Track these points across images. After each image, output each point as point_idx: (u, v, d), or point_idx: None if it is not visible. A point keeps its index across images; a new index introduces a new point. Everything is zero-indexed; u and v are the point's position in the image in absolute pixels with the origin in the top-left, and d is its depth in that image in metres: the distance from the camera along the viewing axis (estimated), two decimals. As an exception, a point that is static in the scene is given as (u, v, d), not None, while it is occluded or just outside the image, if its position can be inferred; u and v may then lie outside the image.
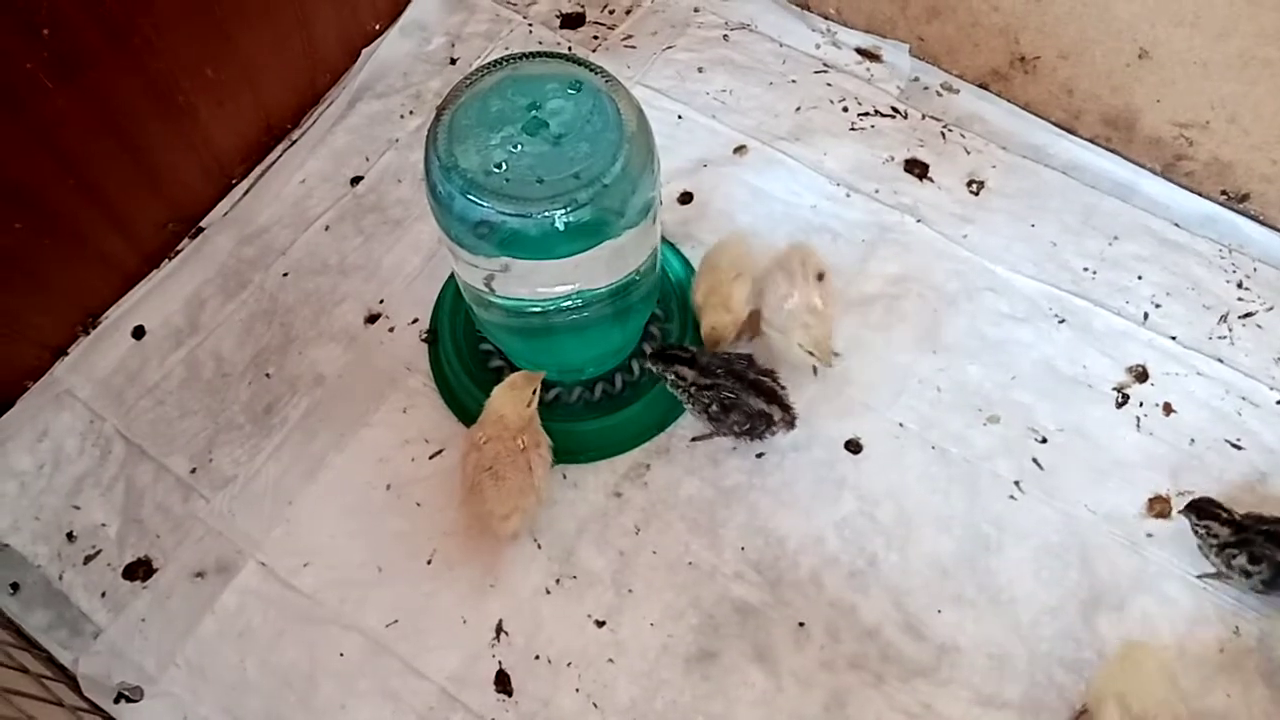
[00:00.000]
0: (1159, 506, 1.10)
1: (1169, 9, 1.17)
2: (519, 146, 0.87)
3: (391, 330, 1.23)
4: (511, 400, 1.00)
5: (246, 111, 1.32)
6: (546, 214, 0.84)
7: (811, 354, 1.10)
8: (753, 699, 1.00)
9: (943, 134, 1.37)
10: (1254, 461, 1.12)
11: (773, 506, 1.10)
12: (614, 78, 0.93)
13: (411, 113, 1.41)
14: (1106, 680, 0.96)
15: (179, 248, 1.30)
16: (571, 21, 1.51)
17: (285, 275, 1.27)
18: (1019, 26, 1.31)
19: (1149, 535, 1.09)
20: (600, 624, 1.04)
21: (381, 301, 1.25)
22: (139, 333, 1.24)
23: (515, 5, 1.51)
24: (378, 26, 1.46)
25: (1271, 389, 1.17)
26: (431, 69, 1.45)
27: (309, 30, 1.35)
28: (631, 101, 0.92)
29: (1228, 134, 1.24)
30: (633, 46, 1.47)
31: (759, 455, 1.13)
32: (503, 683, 1.02)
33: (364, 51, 1.45)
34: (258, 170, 1.36)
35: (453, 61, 1.46)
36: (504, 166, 0.86)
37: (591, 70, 0.93)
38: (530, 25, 1.49)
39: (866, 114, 1.39)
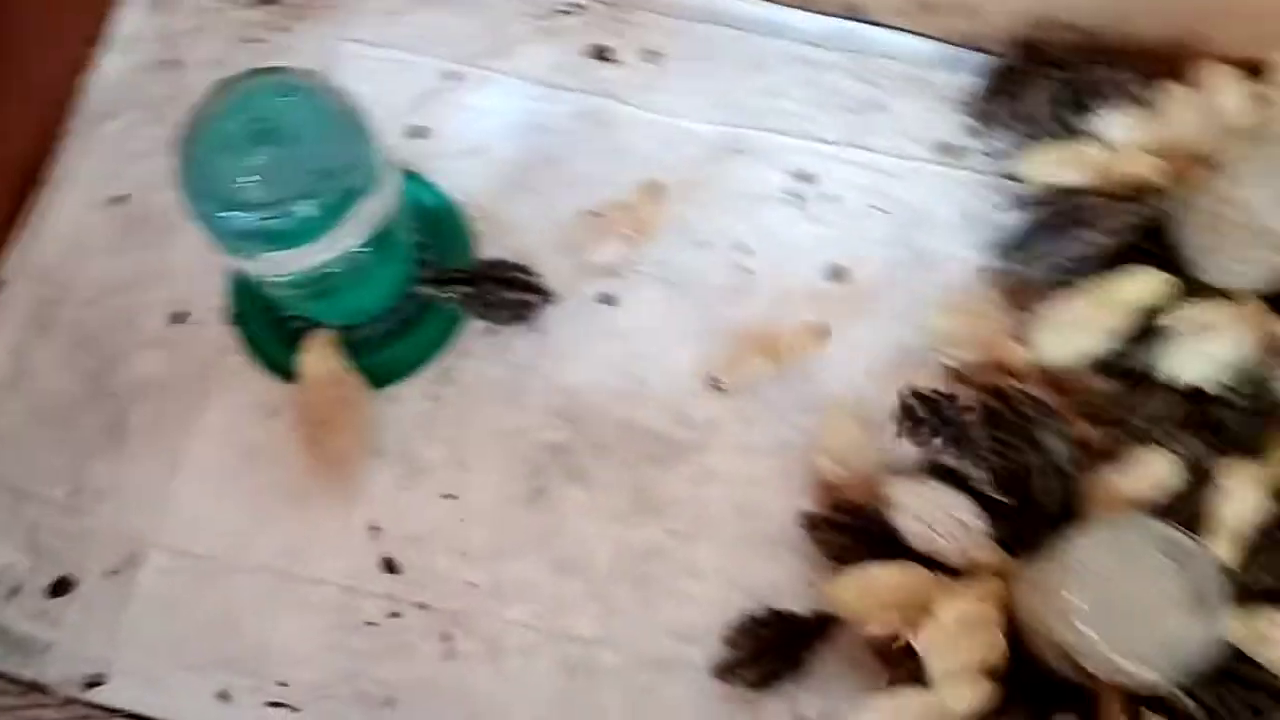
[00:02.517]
0: (839, 273, 1.41)
1: None
2: (254, 158, 1.04)
3: (199, 323, 1.38)
4: (314, 361, 1.23)
5: (-6, 169, 1.41)
6: (295, 209, 1.02)
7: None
8: (579, 512, 1.29)
9: (620, 19, 1.57)
10: (898, 220, 1.44)
11: (559, 366, 1.36)
12: (314, 72, 1.10)
13: (150, 123, 1.50)
14: None
15: (-15, 307, 1.39)
16: (268, -2, 1.61)
17: (88, 303, 1.40)
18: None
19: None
20: (449, 497, 1.30)
21: (182, 301, 1.39)
22: (-24, 394, 1.36)
23: (211, -7, 1.59)
24: (90, 50, 1.53)
25: (902, 159, 1.48)
26: (155, 76, 1.53)
27: (25, 77, 1.43)
28: (334, 88, 1.09)
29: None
30: (332, 6, 1.59)
31: (536, 333, 1.37)
32: (389, 566, 1.27)
33: (85, 78, 1.52)
34: (29, 216, 1.44)
35: (173, 64, 1.54)
36: (247, 179, 1.03)
37: (296, 73, 1.09)
38: (234, 8, 1.57)
39: (551, 13, 1.58)
